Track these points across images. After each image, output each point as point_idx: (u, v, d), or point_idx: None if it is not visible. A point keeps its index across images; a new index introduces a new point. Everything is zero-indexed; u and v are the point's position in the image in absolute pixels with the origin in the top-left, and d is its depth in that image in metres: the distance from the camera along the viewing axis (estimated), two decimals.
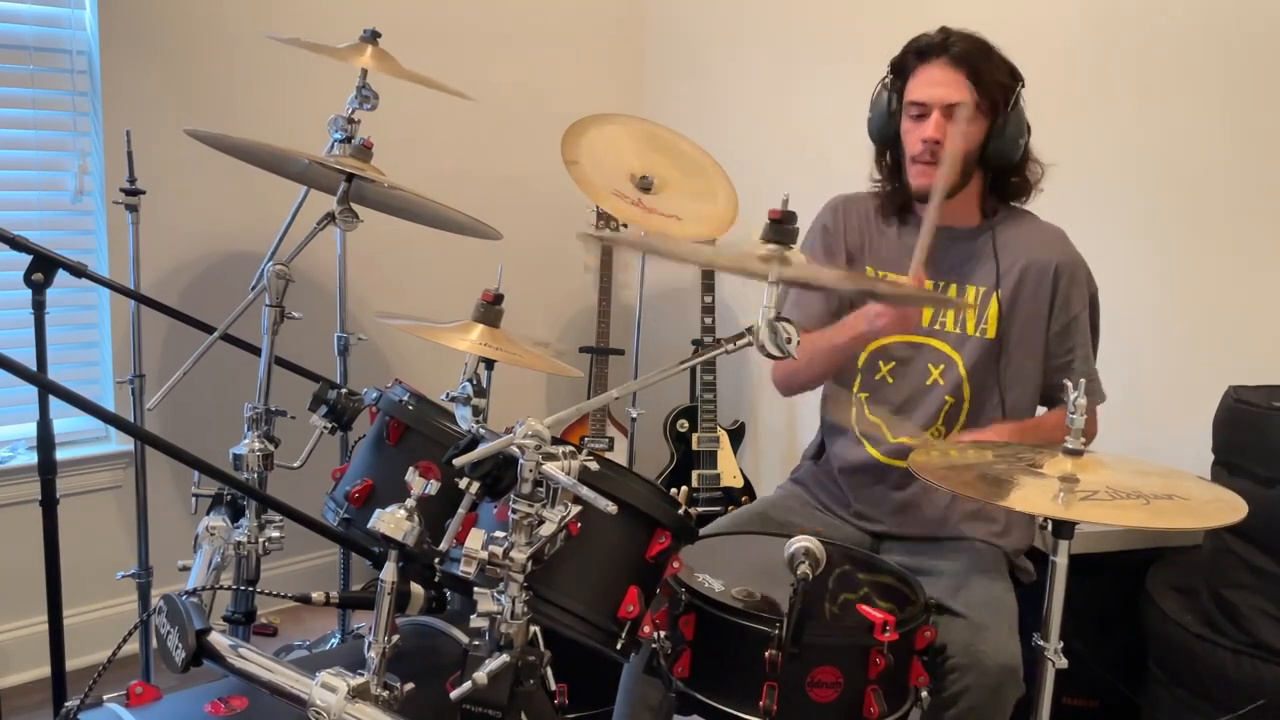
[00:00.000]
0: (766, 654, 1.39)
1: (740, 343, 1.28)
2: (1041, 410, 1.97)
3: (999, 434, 1.81)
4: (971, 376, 1.88)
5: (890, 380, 1.94)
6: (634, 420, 2.96)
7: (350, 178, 1.82)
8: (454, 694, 1.17)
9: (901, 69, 1.85)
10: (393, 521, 1.17)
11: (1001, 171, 1.87)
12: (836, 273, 1.83)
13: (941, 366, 1.90)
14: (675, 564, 1.39)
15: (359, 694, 1.11)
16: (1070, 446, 1.47)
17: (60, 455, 1.93)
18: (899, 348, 1.93)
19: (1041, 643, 1.44)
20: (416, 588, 1.39)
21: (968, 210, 1.90)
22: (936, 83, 1.78)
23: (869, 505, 1.95)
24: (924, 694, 1.53)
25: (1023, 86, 1.81)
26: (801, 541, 1.43)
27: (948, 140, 1.76)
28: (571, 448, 1.21)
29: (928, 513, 1.90)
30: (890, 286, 1.81)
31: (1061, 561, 1.42)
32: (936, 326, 1.90)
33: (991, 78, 1.77)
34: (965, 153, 1.79)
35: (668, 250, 1.78)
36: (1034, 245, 1.88)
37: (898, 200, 1.92)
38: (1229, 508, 1.39)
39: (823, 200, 2.03)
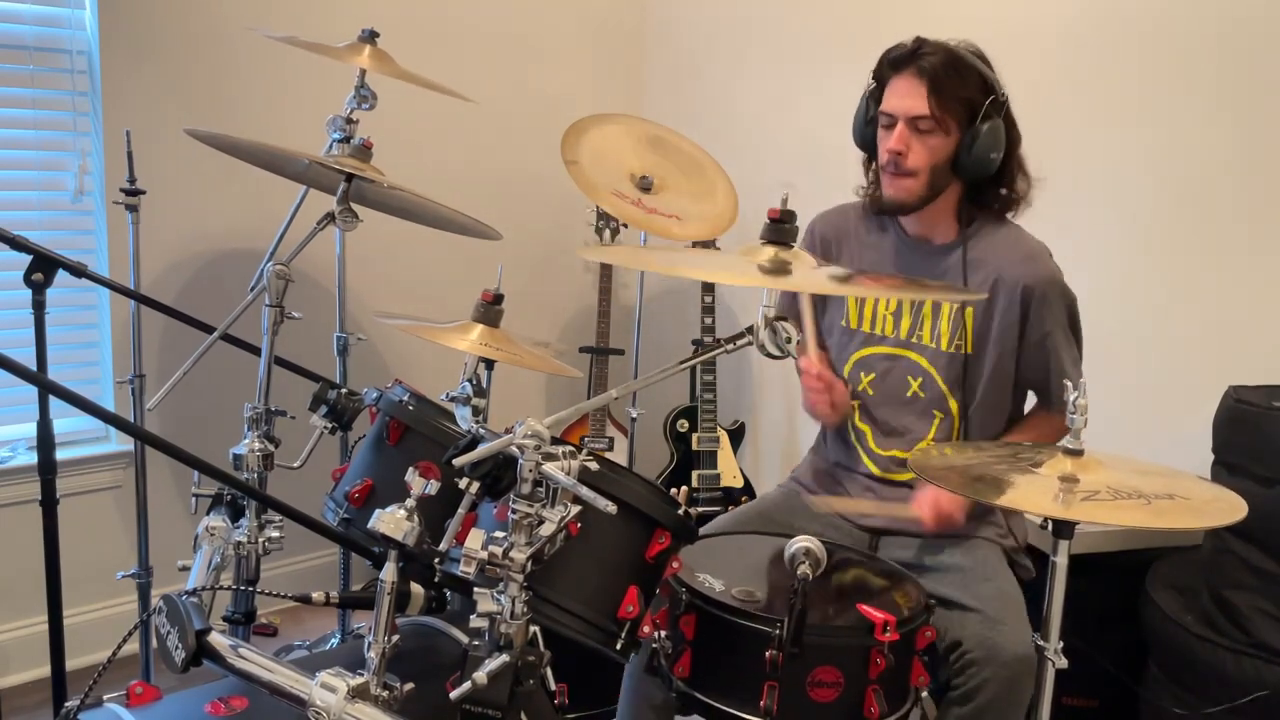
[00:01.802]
0: (767, 654, 1.39)
1: (740, 343, 1.29)
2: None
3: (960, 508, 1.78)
4: (953, 392, 1.87)
5: (870, 391, 1.95)
6: (634, 420, 2.96)
7: (350, 178, 1.82)
8: (454, 694, 1.17)
9: (879, 78, 1.85)
10: (393, 521, 1.17)
11: (978, 184, 1.84)
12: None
13: (920, 380, 1.90)
14: (675, 564, 1.39)
15: (359, 694, 1.11)
16: (1070, 446, 1.47)
17: (60, 455, 1.93)
18: (877, 359, 1.94)
19: (1041, 643, 1.44)
20: (416, 588, 1.39)
21: (945, 224, 1.88)
22: (903, 94, 1.79)
23: (866, 503, 1.95)
24: (924, 694, 1.54)
25: (1000, 99, 1.77)
26: (801, 542, 1.43)
27: (912, 153, 1.78)
28: (571, 448, 1.21)
29: None
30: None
31: (1061, 561, 1.41)
32: (914, 340, 1.90)
33: (955, 93, 1.75)
34: (931, 166, 1.79)
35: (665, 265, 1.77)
36: (1005, 262, 1.84)
37: (878, 206, 1.91)
38: (1229, 507, 1.39)
39: (823, 200, 2.03)
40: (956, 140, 1.78)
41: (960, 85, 1.76)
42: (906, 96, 1.78)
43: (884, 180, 1.85)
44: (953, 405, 1.88)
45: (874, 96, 1.86)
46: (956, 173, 1.81)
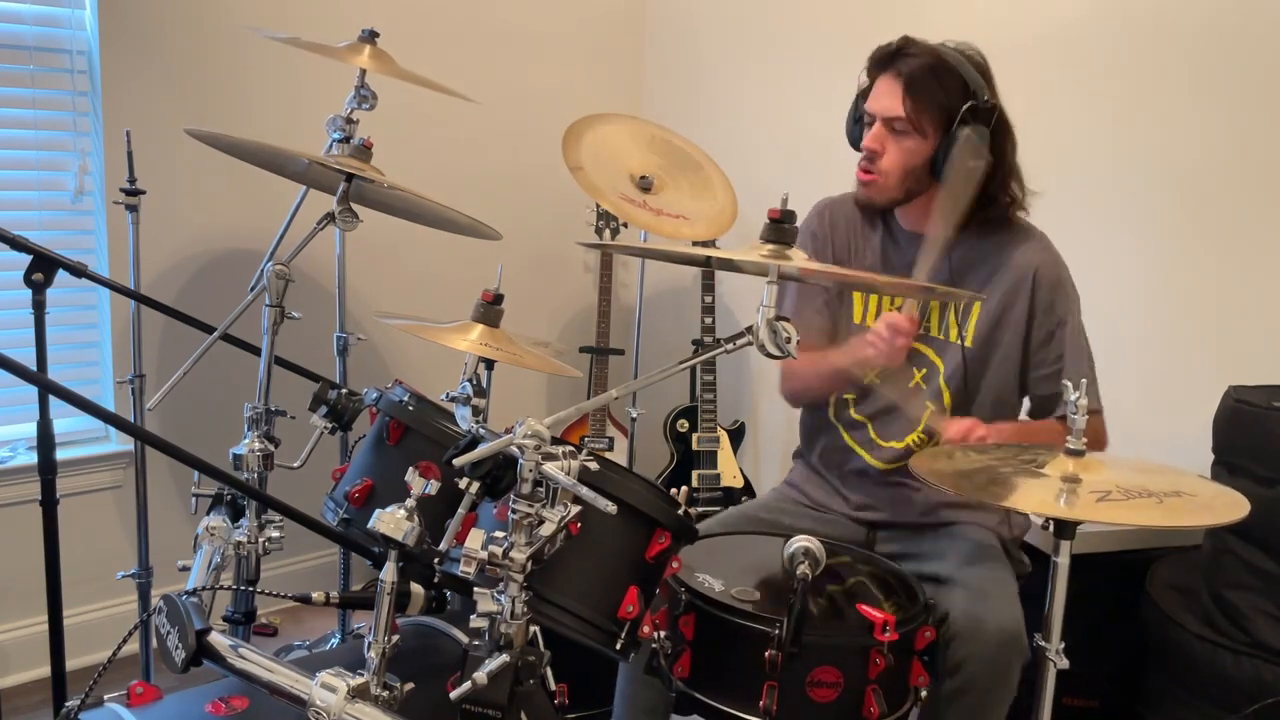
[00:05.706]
0: (766, 654, 1.39)
1: (740, 343, 1.28)
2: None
3: (995, 434, 1.75)
4: (950, 383, 1.88)
5: (877, 380, 1.94)
6: (634, 420, 2.96)
7: (350, 178, 1.82)
8: (454, 694, 1.17)
9: (869, 77, 1.85)
10: (393, 521, 1.17)
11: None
12: (836, 271, 1.83)
13: (924, 371, 1.90)
14: (675, 564, 1.39)
15: (359, 694, 1.11)
16: (1072, 447, 1.47)
17: (60, 455, 1.92)
18: None
19: (1042, 643, 1.44)
20: (416, 588, 1.39)
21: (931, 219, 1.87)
22: (881, 94, 1.79)
23: (864, 497, 1.96)
24: (924, 694, 1.53)
25: (982, 106, 1.73)
26: (801, 541, 1.43)
27: (886, 154, 1.79)
28: (571, 448, 1.21)
29: (923, 500, 1.90)
30: (887, 280, 1.81)
31: (1063, 561, 1.41)
32: (921, 331, 1.90)
33: (932, 96, 1.74)
34: (904, 168, 1.80)
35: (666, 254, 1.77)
36: (1015, 251, 1.84)
37: (856, 202, 1.92)
38: (1235, 504, 1.39)
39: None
40: (934, 144, 1.78)
41: (938, 89, 1.75)
42: (884, 97, 1.78)
43: (857, 177, 1.87)
44: (947, 399, 1.88)
45: (862, 95, 1.86)
46: (935, 177, 1.80)
